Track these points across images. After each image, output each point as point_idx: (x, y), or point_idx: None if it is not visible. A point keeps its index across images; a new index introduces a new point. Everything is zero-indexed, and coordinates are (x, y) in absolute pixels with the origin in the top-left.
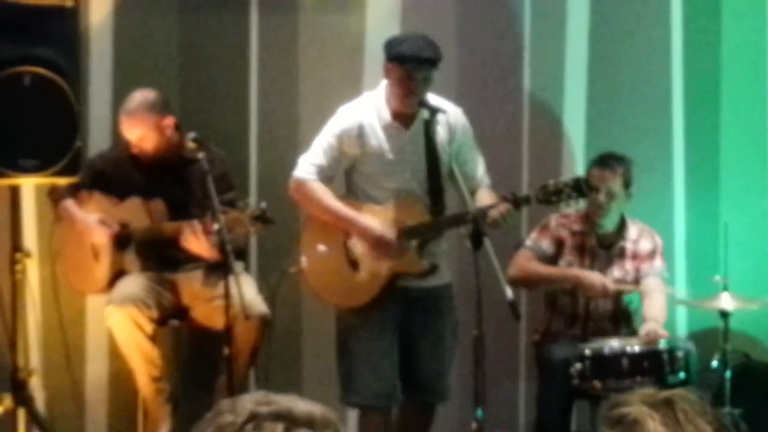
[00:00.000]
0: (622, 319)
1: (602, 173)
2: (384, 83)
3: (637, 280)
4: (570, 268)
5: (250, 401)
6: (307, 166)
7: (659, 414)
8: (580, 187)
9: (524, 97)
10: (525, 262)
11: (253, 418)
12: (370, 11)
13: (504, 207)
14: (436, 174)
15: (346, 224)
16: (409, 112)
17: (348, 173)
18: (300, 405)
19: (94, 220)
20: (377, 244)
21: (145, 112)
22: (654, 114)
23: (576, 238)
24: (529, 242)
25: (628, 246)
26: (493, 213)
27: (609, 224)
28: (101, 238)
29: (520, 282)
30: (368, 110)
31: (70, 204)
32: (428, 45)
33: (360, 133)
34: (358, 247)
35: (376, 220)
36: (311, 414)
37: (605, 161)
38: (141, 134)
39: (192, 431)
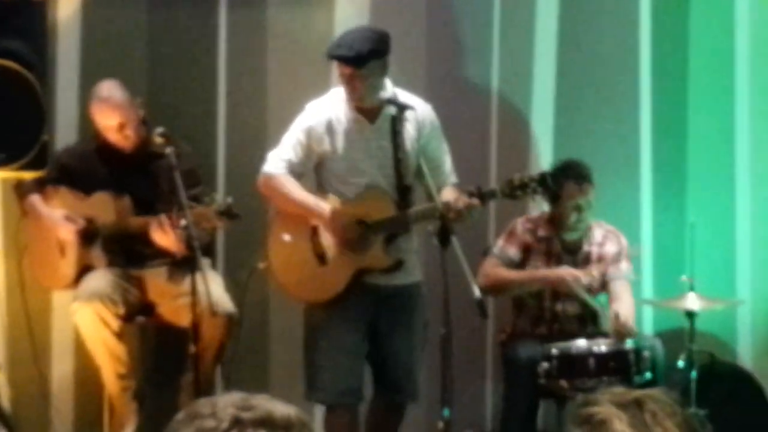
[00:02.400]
0: (588, 320)
1: (580, 187)
2: None
3: (603, 284)
4: (537, 270)
5: (230, 405)
6: (276, 161)
7: (627, 415)
8: (546, 181)
9: (492, 95)
10: (492, 269)
11: (236, 424)
12: (339, 7)
13: (469, 200)
14: (402, 169)
15: (312, 214)
16: (368, 107)
17: (317, 170)
18: (278, 408)
19: (59, 215)
20: (337, 228)
21: (123, 97)
22: (621, 114)
23: (542, 243)
24: (495, 250)
25: (594, 250)
26: (458, 205)
27: (579, 230)
28: (67, 234)
29: (489, 290)
30: (335, 105)
31: (35, 199)
32: (347, 42)
33: (328, 129)
34: (327, 240)
35: (340, 208)
36: (289, 418)
37: (580, 174)
38: (121, 119)
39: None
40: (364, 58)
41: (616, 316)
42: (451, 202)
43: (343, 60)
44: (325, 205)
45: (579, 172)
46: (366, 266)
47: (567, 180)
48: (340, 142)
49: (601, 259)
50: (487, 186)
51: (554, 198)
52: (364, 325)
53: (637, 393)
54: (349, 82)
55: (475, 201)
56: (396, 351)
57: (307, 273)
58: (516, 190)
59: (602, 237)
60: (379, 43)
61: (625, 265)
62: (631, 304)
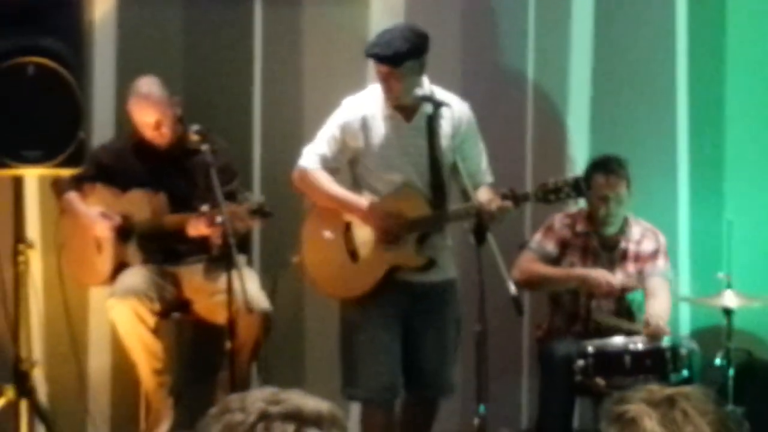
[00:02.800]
0: (625, 317)
1: (607, 179)
2: None
3: (640, 282)
4: (574, 268)
5: (259, 399)
6: (311, 156)
7: (658, 413)
8: (579, 187)
9: (528, 94)
10: (528, 264)
11: (264, 417)
12: (374, 4)
13: (502, 203)
14: (437, 168)
15: (349, 208)
16: (407, 105)
17: (352, 166)
18: (309, 403)
19: (96, 213)
20: (379, 221)
21: (162, 95)
22: (658, 111)
23: (579, 239)
24: (533, 244)
25: (631, 247)
26: (491, 207)
27: (614, 225)
28: (103, 231)
29: (524, 284)
30: (372, 102)
31: (73, 197)
32: (384, 41)
33: (363, 125)
34: (360, 237)
35: (377, 201)
36: (320, 412)
37: (608, 167)
38: (159, 117)
39: (198, 427)
40: (401, 58)
41: (646, 324)
42: (484, 203)
43: (380, 59)
44: (361, 199)
45: (607, 165)
46: (398, 264)
47: (595, 172)
48: (375, 139)
49: (638, 257)
50: (522, 186)
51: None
52: (399, 322)
53: (671, 390)
54: (386, 81)
55: (508, 203)
56: (428, 347)
57: (340, 269)
58: (549, 194)
59: (640, 235)
60: (417, 42)
61: (662, 263)
62: (668, 302)
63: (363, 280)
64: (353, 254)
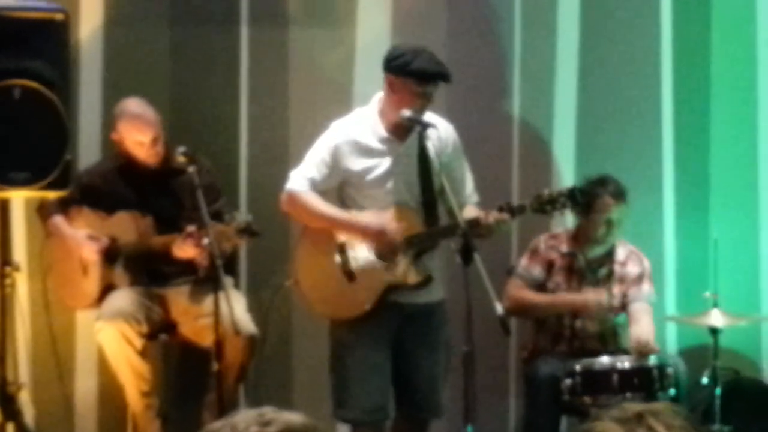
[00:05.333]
0: (609, 338)
1: (616, 203)
2: (378, 97)
3: (623, 305)
4: (561, 294)
5: (251, 423)
6: (300, 180)
7: (623, 429)
8: (575, 196)
9: (514, 114)
10: (516, 291)
11: None
12: (360, 25)
13: (499, 215)
14: (429, 187)
15: (345, 226)
16: (399, 127)
17: (341, 186)
18: (293, 418)
19: (83, 235)
20: (379, 236)
21: (154, 113)
22: (643, 131)
23: (565, 259)
24: (519, 269)
25: (616, 269)
26: (488, 220)
27: (605, 247)
28: (90, 253)
29: (514, 312)
30: (362, 125)
31: (59, 220)
32: (438, 59)
33: (354, 148)
34: (355, 258)
35: (373, 215)
36: (305, 424)
37: (618, 191)
38: (154, 135)
39: None
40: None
41: (638, 340)
42: (481, 216)
43: (446, 77)
44: (358, 215)
45: (617, 188)
46: (396, 282)
47: (604, 193)
48: (366, 161)
49: (622, 279)
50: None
51: (586, 209)
52: (389, 343)
53: (640, 407)
54: (422, 102)
55: (505, 216)
56: (419, 368)
57: (336, 290)
58: (545, 205)
59: (625, 257)
60: None
61: (646, 288)
62: (650, 327)
63: (361, 300)
64: (349, 275)
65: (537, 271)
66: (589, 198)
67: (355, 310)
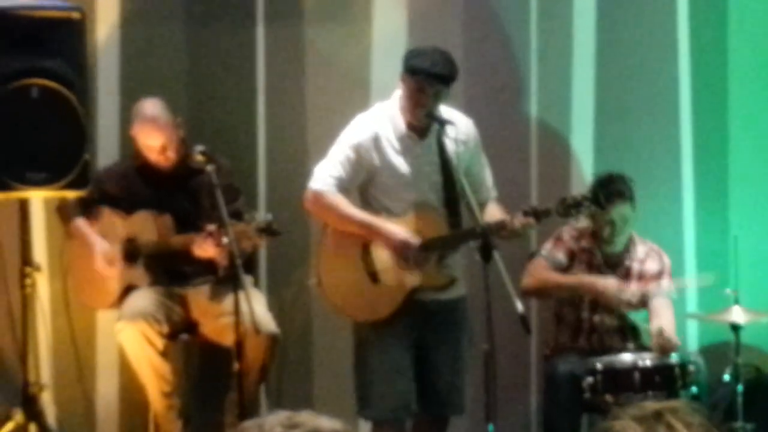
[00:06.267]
0: (629, 333)
1: (618, 204)
2: (398, 93)
3: (643, 302)
4: (584, 276)
5: (277, 425)
6: (325, 178)
7: (642, 427)
8: (599, 200)
9: (532, 113)
10: (541, 271)
11: None
12: (376, 23)
13: (525, 219)
14: (451, 185)
15: (370, 231)
16: (422, 123)
17: (364, 186)
18: (324, 423)
19: (101, 249)
20: (402, 249)
21: (167, 118)
22: (662, 128)
23: (585, 254)
24: (544, 252)
25: (635, 266)
26: (515, 224)
27: (618, 244)
28: (103, 267)
29: (535, 291)
30: (383, 121)
31: (81, 223)
32: (445, 61)
33: (377, 144)
34: (379, 259)
35: (400, 225)
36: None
37: (614, 191)
38: (164, 141)
39: None
40: (455, 79)
41: (660, 332)
42: (507, 220)
43: (442, 78)
44: (386, 223)
45: (619, 188)
46: (422, 285)
47: (607, 193)
48: (389, 158)
49: (641, 276)
50: (527, 204)
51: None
52: (412, 341)
53: (659, 405)
54: (421, 99)
55: (531, 220)
56: (441, 365)
57: (361, 291)
58: (570, 209)
59: (644, 254)
60: (456, 65)
61: (666, 283)
62: (672, 322)
63: (387, 302)
64: (373, 276)
65: (561, 255)
66: (595, 200)
67: (380, 313)
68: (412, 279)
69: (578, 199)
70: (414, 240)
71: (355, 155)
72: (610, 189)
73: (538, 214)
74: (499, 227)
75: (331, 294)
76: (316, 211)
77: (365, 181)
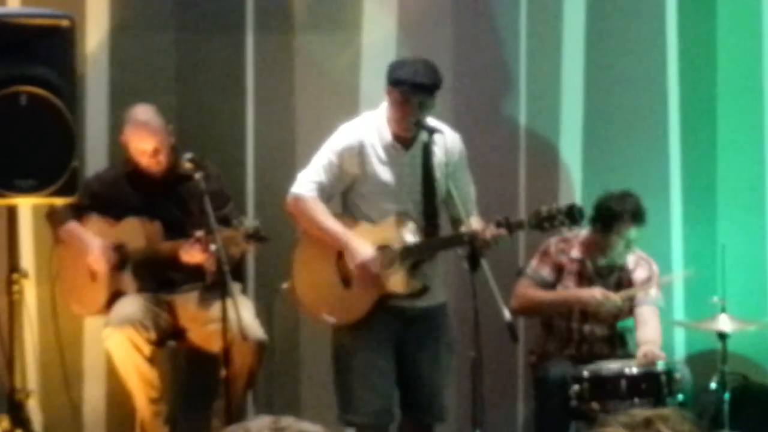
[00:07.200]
0: (617, 342)
1: (637, 227)
2: (385, 104)
3: (631, 309)
4: (567, 290)
5: (264, 429)
6: (307, 183)
7: None
8: (573, 215)
9: (521, 124)
10: (524, 290)
11: None
12: (366, 31)
13: (496, 231)
14: (431, 196)
15: (339, 244)
16: (406, 135)
17: (345, 193)
18: (307, 428)
19: (97, 245)
20: (360, 270)
21: (159, 123)
22: (650, 138)
23: (574, 264)
24: (529, 270)
25: (624, 275)
26: (486, 235)
27: (620, 260)
28: (97, 265)
29: (523, 312)
30: (369, 129)
31: (73, 225)
32: (428, 71)
33: (360, 152)
34: (351, 264)
35: (368, 244)
36: None
37: (640, 215)
38: (157, 145)
39: None
40: (439, 87)
41: (645, 356)
42: (478, 231)
43: (425, 88)
44: (358, 246)
45: (638, 209)
46: (389, 292)
47: (625, 215)
48: (373, 167)
49: (630, 284)
50: (515, 215)
51: (604, 227)
52: (392, 346)
53: (649, 413)
54: (406, 109)
55: (503, 231)
56: (422, 372)
57: (331, 295)
58: (543, 222)
59: (634, 263)
60: (439, 74)
61: (654, 292)
62: (658, 330)
63: (355, 307)
64: (345, 281)
65: (546, 272)
66: (610, 218)
67: (349, 317)
68: (381, 285)
69: (552, 213)
70: (374, 264)
71: (338, 161)
72: (630, 210)
73: (511, 227)
74: (471, 237)
75: (302, 296)
76: (295, 214)
77: (346, 189)
